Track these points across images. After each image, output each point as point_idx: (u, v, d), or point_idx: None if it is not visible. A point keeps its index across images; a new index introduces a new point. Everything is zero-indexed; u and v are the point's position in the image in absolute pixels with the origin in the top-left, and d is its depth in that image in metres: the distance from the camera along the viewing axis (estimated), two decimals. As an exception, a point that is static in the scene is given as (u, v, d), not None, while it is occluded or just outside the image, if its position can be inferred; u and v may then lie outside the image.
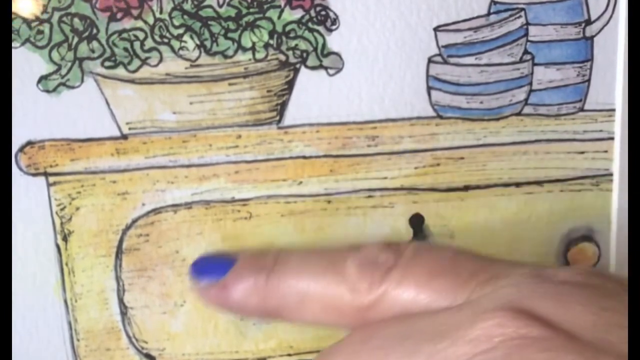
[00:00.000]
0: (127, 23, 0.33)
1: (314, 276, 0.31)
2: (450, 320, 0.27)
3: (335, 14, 0.34)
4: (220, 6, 0.33)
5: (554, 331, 0.26)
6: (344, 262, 0.31)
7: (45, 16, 0.33)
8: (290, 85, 0.35)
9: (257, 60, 0.34)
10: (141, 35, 0.33)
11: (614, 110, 0.37)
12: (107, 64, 0.33)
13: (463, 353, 0.26)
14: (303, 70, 0.35)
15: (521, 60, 0.36)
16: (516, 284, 0.28)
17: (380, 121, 0.35)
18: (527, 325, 0.26)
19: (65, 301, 0.35)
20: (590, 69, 0.36)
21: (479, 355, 0.26)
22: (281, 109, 0.35)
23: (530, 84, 0.36)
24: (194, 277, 0.34)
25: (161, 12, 0.33)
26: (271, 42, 0.34)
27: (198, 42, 0.34)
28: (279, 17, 0.34)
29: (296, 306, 0.32)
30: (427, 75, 0.35)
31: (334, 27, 0.34)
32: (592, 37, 0.36)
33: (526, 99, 0.36)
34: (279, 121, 0.35)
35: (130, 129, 0.34)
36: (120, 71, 0.33)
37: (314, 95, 0.35)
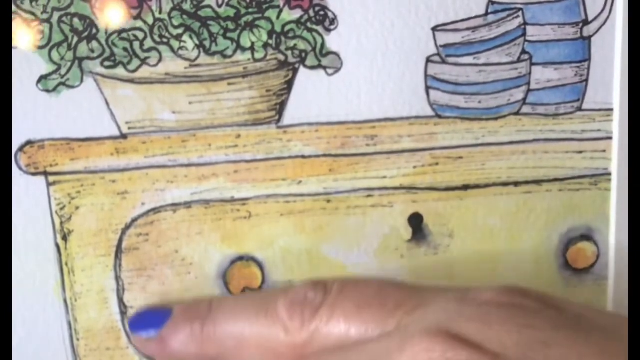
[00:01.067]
0: (127, 23, 0.33)
1: (248, 320, 0.32)
2: (380, 348, 0.28)
3: (334, 14, 0.34)
4: (220, 6, 0.34)
5: (479, 353, 0.26)
6: (275, 303, 0.32)
7: (45, 16, 0.33)
8: (289, 85, 0.35)
9: (256, 60, 0.34)
10: (140, 35, 0.33)
11: (611, 109, 0.37)
12: (106, 63, 0.33)
13: None
14: (302, 70, 0.35)
15: (519, 60, 0.36)
16: (442, 309, 0.29)
17: (379, 120, 0.35)
18: (453, 348, 0.26)
19: (65, 301, 0.35)
20: (588, 68, 0.37)
21: None
22: (280, 108, 0.35)
23: (528, 83, 0.36)
24: (132, 332, 0.35)
25: (160, 12, 0.33)
26: (270, 42, 0.34)
27: (197, 42, 0.34)
28: (277, 17, 0.34)
29: (234, 351, 0.32)
30: (426, 75, 0.35)
31: (332, 27, 0.34)
32: (589, 37, 0.36)
33: (524, 99, 0.36)
34: (278, 121, 0.35)
35: (129, 128, 0.34)
36: (120, 71, 0.34)
37: (313, 95, 0.35)
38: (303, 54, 0.34)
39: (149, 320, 0.34)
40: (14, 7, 0.32)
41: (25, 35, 0.33)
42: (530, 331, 0.27)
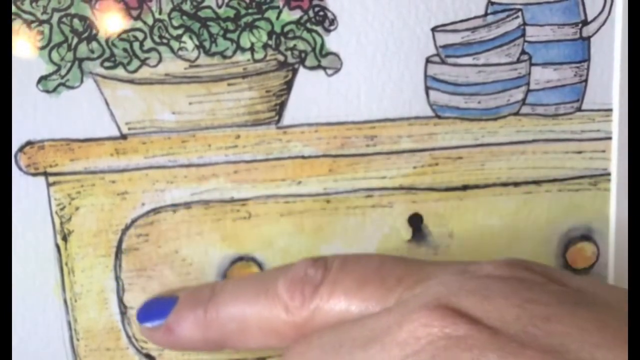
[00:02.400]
0: (127, 24, 0.33)
1: (248, 301, 0.32)
2: (380, 324, 0.28)
3: (333, 15, 0.34)
4: (219, 7, 0.34)
5: (478, 328, 0.26)
6: (275, 283, 0.32)
7: (45, 17, 0.33)
8: (289, 85, 0.35)
9: (255, 61, 0.34)
10: (140, 35, 0.33)
11: (611, 110, 0.37)
12: (106, 64, 0.33)
13: (393, 357, 0.27)
14: (302, 70, 0.35)
15: (519, 61, 0.36)
16: (442, 283, 0.29)
17: (378, 121, 0.36)
18: (452, 323, 0.26)
19: (65, 301, 0.35)
20: (588, 69, 0.37)
21: (407, 358, 0.26)
22: (280, 109, 0.35)
23: (528, 84, 0.36)
24: (140, 323, 0.35)
25: (160, 13, 0.33)
26: (270, 42, 0.34)
27: (197, 43, 0.34)
28: (277, 18, 0.34)
29: (237, 334, 0.32)
30: (425, 75, 0.35)
31: (332, 27, 0.34)
32: (588, 38, 0.36)
33: (524, 99, 0.36)
34: (278, 121, 0.35)
35: (129, 129, 0.34)
36: (120, 71, 0.34)
37: (312, 96, 0.35)
38: (303, 55, 0.35)
39: (155, 309, 0.34)
40: (14, 8, 0.32)
41: (25, 36, 0.33)
42: (531, 305, 0.26)
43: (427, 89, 0.36)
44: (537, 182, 0.37)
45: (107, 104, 0.34)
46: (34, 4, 0.33)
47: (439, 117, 0.36)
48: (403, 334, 0.27)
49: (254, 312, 0.32)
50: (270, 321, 0.31)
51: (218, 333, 0.33)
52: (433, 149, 0.36)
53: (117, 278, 0.35)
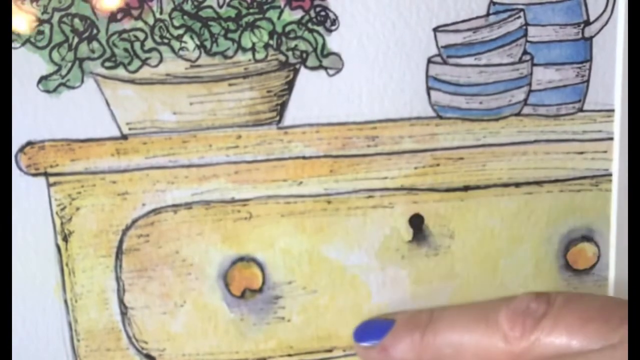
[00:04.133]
0: (127, 23, 0.33)
1: (468, 328, 0.33)
2: (604, 358, 0.29)
3: (335, 15, 0.34)
4: (220, 7, 0.34)
5: None
6: (496, 312, 0.33)
7: (46, 17, 0.33)
8: (290, 85, 0.35)
9: (257, 61, 0.34)
10: (141, 35, 0.33)
11: (613, 110, 0.37)
12: (107, 64, 0.33)
13: None
14: (303, 70, 0.35)
15: (520, 61, 0.36)
16: None
17: (380, 121, 0.35)
18: None
19: (66, 301, 0.35)
20: (589, 69, 0.37)
21: None
22: (281, 109, 0.35)
23: (530, 84, 0.36)
24: (357, 341, 0.36)
25: (161, 13, 0.33)
26: (271, 42, 0.34)
27: (198, 43, 0.34)
28: (278, 18, 0.34)
29: (451, 358, 0.33)
30: (427, 76, 0.35)
31: (333, 27, 0.34)
32: (591, 38, 0.36)
33: (525, 100, 0.36)
34: (279, 121, 0.35)
35: (130, 129, 0.34)
36: (121, 71, 0.33)
37: (313, 96, 0.35)
38: (304, 55, 0.34)
39: (373, 329, 0.36)
40: (14, 8, 0.32)
41: (25, 36, 0.33)
42: None
43: (429, 89, 0.35)
44: (538, 183, 0.37)
45: (107, 104, 0.34)
46: (34, 4, 0.32)
47: (440, 117, 0.36)
48: None
49: (472, 339, 0.33)
50: (488, 349, 0.32)
51: (432, 357, 0.34)
52: (434, 150, 0.36)
53: (118, 278, 0.35)
